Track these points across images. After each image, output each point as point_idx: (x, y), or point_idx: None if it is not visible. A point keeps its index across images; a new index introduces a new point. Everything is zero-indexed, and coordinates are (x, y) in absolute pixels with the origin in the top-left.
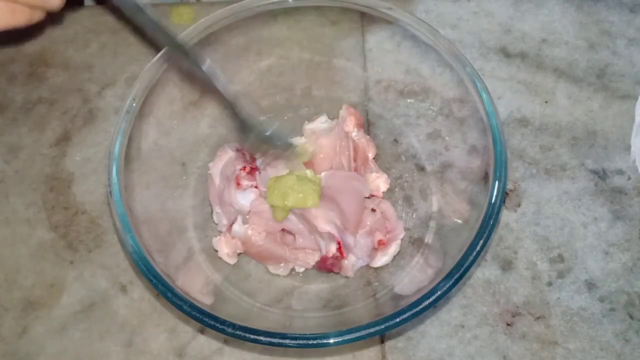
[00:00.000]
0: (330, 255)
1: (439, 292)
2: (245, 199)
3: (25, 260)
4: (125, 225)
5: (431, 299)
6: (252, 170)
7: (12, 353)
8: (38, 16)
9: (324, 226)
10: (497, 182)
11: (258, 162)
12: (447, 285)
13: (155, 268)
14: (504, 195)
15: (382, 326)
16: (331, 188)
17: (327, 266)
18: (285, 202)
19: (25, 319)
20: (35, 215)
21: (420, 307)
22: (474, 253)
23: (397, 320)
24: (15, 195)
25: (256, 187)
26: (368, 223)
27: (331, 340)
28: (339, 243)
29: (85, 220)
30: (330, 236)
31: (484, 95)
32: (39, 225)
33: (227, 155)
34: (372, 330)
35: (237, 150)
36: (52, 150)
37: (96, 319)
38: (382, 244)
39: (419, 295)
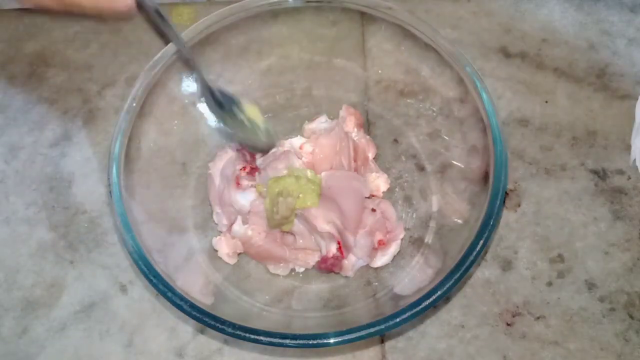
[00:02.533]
0: (330, 255)
1: (439, 292)
2: (245, 199)
3: (25, 260)
4: (125, 225)
5: (431, 299)
6: (252, 170)
7: (12, 353)
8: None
9: (324, 226)
10: (497, 182)
11: (258, 162)
12: (447, 285)
13: (155, 268)
14: (504, 195)
15: (382, 326)
16: (331, 188)
17: (327, 266)
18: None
19: (25, 319)
20: (35, 215)
21: (420, 307)
22: (474, 253)
23: (397, 320)
24: (15, 195)
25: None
26: (368, 223)
27: (331, 340)
28: (339, 243)
29: (85, 220)
30: (330, 236)
31: (484, 95)
32: (39, 225)
33: (227, 155)
34: (372, 330)
35: (237, 150)
36: (52, 150)
37: (96, 319)
38: (382, 244)
39: (419, 295)
